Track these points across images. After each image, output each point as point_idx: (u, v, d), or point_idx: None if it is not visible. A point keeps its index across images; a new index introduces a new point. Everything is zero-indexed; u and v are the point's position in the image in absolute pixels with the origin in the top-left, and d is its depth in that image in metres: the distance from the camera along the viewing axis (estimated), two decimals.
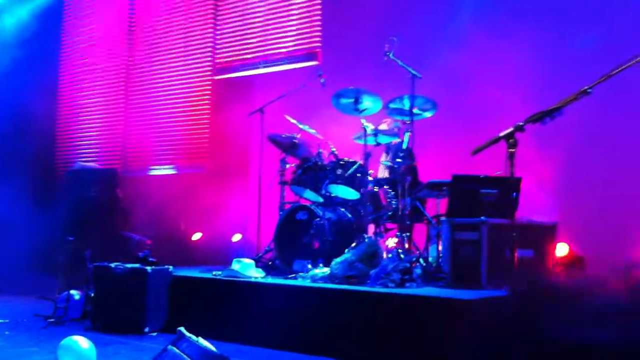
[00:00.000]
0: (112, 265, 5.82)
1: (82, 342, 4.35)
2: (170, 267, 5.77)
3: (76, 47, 10.20)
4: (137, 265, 5.73)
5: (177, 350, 2.68)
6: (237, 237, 6.75)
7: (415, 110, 5.99)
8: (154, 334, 5.47)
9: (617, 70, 3.04)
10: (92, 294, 5.88)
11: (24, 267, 7.40)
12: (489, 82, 6.57)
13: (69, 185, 7.91)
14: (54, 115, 9.98)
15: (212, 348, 2.67)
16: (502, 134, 3.25)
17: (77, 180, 8.03)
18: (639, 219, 5.72)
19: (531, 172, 5.64)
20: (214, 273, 5.67)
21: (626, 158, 6.08)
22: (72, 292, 6.09)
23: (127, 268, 5.73)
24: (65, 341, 4.34)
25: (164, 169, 8.85)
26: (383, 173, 6.37)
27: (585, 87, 3.05)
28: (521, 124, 3.21)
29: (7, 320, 5.36)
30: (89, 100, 9.94)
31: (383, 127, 6.35)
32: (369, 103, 6.15)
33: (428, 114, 6.14)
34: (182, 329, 2.68)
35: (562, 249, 5.68)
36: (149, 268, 5.62)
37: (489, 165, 5.37)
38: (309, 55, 7.91)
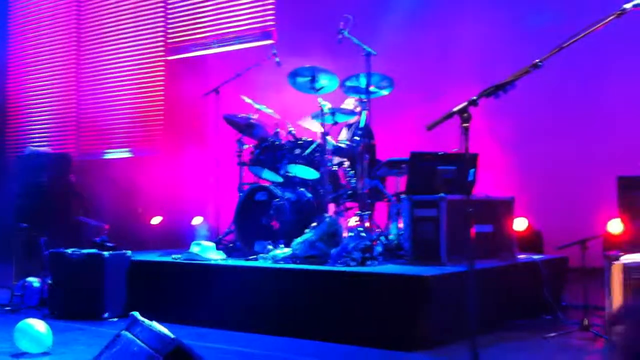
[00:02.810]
0: (69, 251, 5.70)
1: (38, 325, 4.31)
2: (129, 251, 5.69)
3: (24, 27, 9.89)
4: (94, 250, 5.63)
5: (131, 335, 2.62)
6: (197, 220, 6.69)
7: (371, 88, 5.98)
8: (114, 319, 5.40)
9: (567, 43, 3.06)
10: (49, 281, 5.77)
11: None
12: (444, 58, 6.61)
13: (21, 170, 7.71)
14: (1, 98, 9.69)
15: (167, 332, 2.62)
16: (455, 109, 3.26)
17: (29, 165, 7.83)
18: (594, 194, 5.86)
19: (488, 148, 5.71)
20: (173, 256, 5.62)
21: (578, 134, 6.21)
22: (30, 279, 5.97)
23: (83, 254, 5.63)
24: (21, 324, 4.28)
25: (119, 152, 8.69)
26: (342, 152, 6.36)
27: (537, 60, 3.07)
28: (474, 98, 3.22)
29: None
30: (39, 83, 9.68)
31: (347, 104, 6.32)
32: (325, 81, 6.12)
33: (385, 92, 6.14)
34: (135, 313, 2.63)
35: (520, 224, 5.78)
36: (106, 253, 5.53)
37: (448, 142, 5.42)
38: (263, 34, 7.83)
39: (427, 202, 4.88)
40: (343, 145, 6.08)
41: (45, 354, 4.26)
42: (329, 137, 5.83)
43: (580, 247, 4.22)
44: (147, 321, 2.72)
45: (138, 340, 2.54)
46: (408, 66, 6.64)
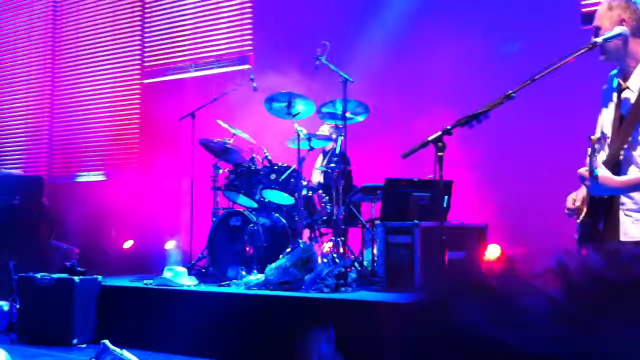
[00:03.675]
0: (38, 275, 5.61)
1: None
2: (99, 276, 5.60)
3: None
4: (64, 275, 5.55)
5: None
6: (170, 245, 6.62)
7: (347, 114, 6.01)
8: (83, 345, 5.30)
9: (539, 76, 3.11)
10: (18, 306, 5.65)
11: None
12: (420, 86, 6.67)
13: None
14: None
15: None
16: (430, 138, 3.29)
17: (0, 187, 7.70)
18: (569, 224, 5.91)
19: (462, 175, 5.75)
20: (145, 282, 5.54)
21: (551, 159, 6.27)
22: None
23: (53, 279, 5.53)
24: None
25: (92, 175, 8.60)
26: (318, 178, 6.38)
27: (510, 92, 3.11)
28: (449, 127, 3.25)
29: None
30: (11, 105, 9.58)
31: (323, 131, 6.33)
32: (301, 107, 6.14)
33: (360, 118, 6.18)
34: (106, 341, 2.59)
35: (493, 251, 5.81)
36: (76, 278, 5.45)
37: (422, 169, 5.45)
38: (240, 59, 7.84)
39: (402, 229, 4.89)
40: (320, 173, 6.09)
41: None
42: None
43: None
44: (117, 350, 2.68)
45: None
46: (384, 93, 6.69)
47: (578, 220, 3.06)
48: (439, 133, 3.37)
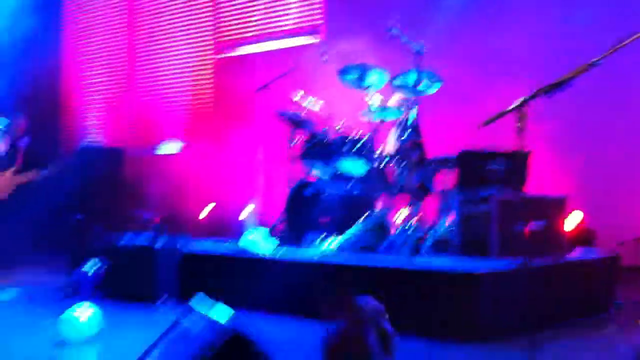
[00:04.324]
0: (123, 240, 5.88)
1: (82, 314, 4.42)
2: (180, 241, 5.82)
3: (78, 22, 10.16)
4: (146, 240, 5.79)
5: (189, 322, 2.70)
6: (246, 213, 6.79)
7: (420, 86, 5.99)
8: (166, 305, 5.54)
9: (627, 42, 3.05)
10: (104, 270, 5.94)
11: (37, 244, 7.46)
12: (496, 55, 6.58)
13: (77, 164, 7.94)
14: (57, 94, 9.97)
15: (225, 319, 2.69)
16: (510, 107, 3.27)
17: (85, 159, 8.06)
18: None
19: (541, 145, 5.68)
20: (225, 246, 5.73)
21: (637, 130, 6.11)
22: (85, 267, 6.16)
23: (137, 243, 5.79)
24: (66, 314, 4.41)
25: (171, 146, 8.85)
26: (391, 148, 6.40)
27: (594, 59, 3.07)
28: (529, 96, 3.23)
29: (22, 294, 5.43)
30: (93, 80, 9.94)
31: (393, 101, 6.34)
32: (374, 78, 6.16)
33: (434, 89, 6.15)
34: (192, 302, 2.71)
35: (573, 221, 5.72)
36: (158, 243, 5.68)
37: (497, 139, 5.40)
38: (312, 31, 7.89)
39: (478, 199, 4.88)
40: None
41: (91, 341, 4.38)
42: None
43: None
44: (203, 309, 2.79)
45: (196, 327, 2.61)
46: (458, 63, 6.63)
47: None
48: (520, 102, 3.35)
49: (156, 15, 9.28)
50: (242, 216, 6.53)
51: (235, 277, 5.37)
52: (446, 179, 5.90)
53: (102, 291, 5.91)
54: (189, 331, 2.77)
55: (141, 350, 2.10)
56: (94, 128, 9.75)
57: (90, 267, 6.15)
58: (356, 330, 0.79)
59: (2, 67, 7.91)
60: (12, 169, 5.80)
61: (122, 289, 5.74)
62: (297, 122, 6.35)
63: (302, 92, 6.50)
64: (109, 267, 5.91)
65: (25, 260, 6.61)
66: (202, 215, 7.49)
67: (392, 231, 5.15)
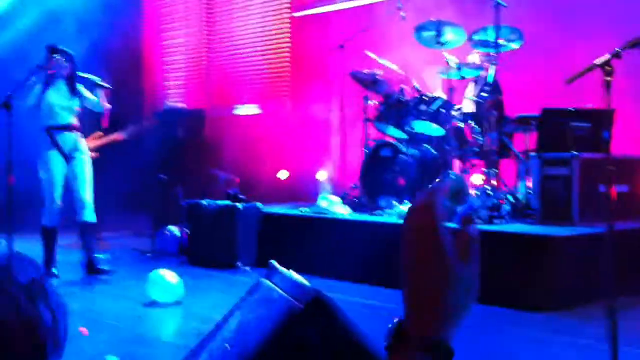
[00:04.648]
0: (205, 202, 6.03)
1: (169, 276, 4.56)
2: (260, 204, 5.93)
3: None
4: (228, 202, 5.92)
5: (271, 284, 2.74)
6: (321, 175, 6.84)
7: (500, 42, 5.80)
8: (246, 268, 5.69)
9: None
10: (187, 230, 6.14)
11: (121, 205, 7.73)
12: (579, 8, 6.27)
13: (158, 125, 8.16)
14: (139, 56, 10.22)
15: (305, 281, 2.72)
16: (597, 62, 3.10)
17: (166, 120, 8.27)
18: None
19: (626, 103, 5.42)
20: (301, 210, 5.80)
21: None
22: (170, 228, 6.37)
23: (218, 205, 5.94)
24: (153, 274, 4.57)
25: (248, 108, 8.98)
26: (469, 108, 6.27)
27: None
28: (619, 50, 3.05)
29: (108, 256, 5.66)
30: (173, 42, 10.13)
31: (474, 59, 6.16)
32: (451, 35, 6.01)
33: (515, 45, 5.94)
34: (274, 262, 2.76)
35: None
36: (239, 205, 5.81)
37: (579, 98, 5.20)
38: None
39: (559, 160, 4.74)
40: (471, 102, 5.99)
41: (176, 303, 4.53)
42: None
43: None
44: (286, 270, 2.84)
45: (278, 289, 2.66)
46: (540, 17, 6.36)
47: None
48: (608, 56, 3.18)
49: None
50: (318, 179, 6.58)
51: (313, 239, 5.44)
52: (526, 140, 5.74)
53: (184, 253, 6.13)
54: (272, 292, 2.85)
55: (224, 312, 2.17)
56: (175, 89, 9.97)
57: (173, 229, 6.38)
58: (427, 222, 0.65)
59: (86, 29, 8.13)
60: (98, 132, 6.03)
61: (204, 250, 5.93)
62: (372, 83, 6.29)
63: (377, 52, 6.42)
64: (191, 229, 6.10)
65: (111, 221, 6.86)
66: (279, 177, 7.60)
67: (470, 194, 5.07)
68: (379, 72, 6.29)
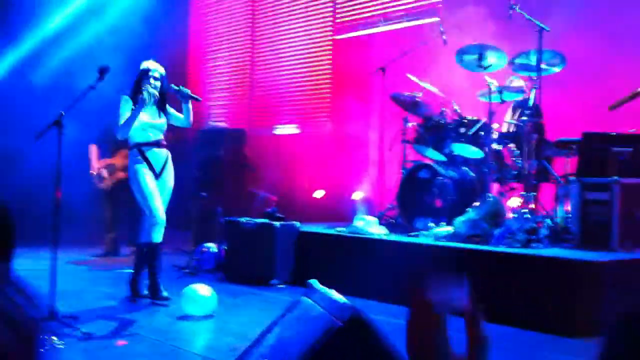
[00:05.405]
0: (243, 220, 6.11)
1: (202, 290, 4.62)
2: (297, 222, 5.98)
3: (204, 7, 10.58)
4: (266, 220, 5.99)
5: (310, 301, 2.77)
6: (358, 195, 6.87)
7: (542, 65, 5.78)
8: (282, 286, 5.73)
9: None
10: (224, 247, 6.21)
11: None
12: (622, 33, 6.22)
13: (201, 144, 8.30)
14: (184, 76, 10.44)
15: (344, 299, 2.73)
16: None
17: (208, 139, 8.41)
18: None
19: None
20: (337, 229, 5.83)
21: None
22: (208, 244, 6.45)
23: (256, 223, 6.00)
24: (187, 289, 4.64)
25: (288, 128, 9.08)
26: (508, 131, 6.24)
27: None
28: None
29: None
30: (217, 64, 10.33)
31: (515, 82, 6.14)
32: (493, 59, 6.00)
33: (556, 69, 5.92)
34: (313, 281, 2.79)
35: None
36: (277, 223, 5.86)
37: (620, 123, 5.14)
38: (429, 11, 7.77)
39: (599, 185, 4.68)
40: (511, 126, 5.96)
41: (209, 316, 4.60)
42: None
43: None
44: (324, 288, 2.86)
45: (317, 306, 2.68)
46: (583, 42, 6.32)
47: None
48: None
49: None
50: (354, 200, 6.60)
51: (349, 258, 5.46)
52: (566, 164, 5.68)
53: (221, 270, 6.19)
54: (311, 309, 2.84)
55: (259, 328, 2.19)
56: (218, 109, 10.14)
57: (211, 246, 6.46)
58: (425, 325, 0.72)
59: (130, 47, 8.28)
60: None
61: (240, 267, 5.99)
62: (412, 105, 6.32)
63: (417, 74, 6.45)
64: (228, 246, 6.17)
65: None
66: (317, 195, 7.64)
67: (507, 217, 5.04)
68: (419, 94, 6.32)
